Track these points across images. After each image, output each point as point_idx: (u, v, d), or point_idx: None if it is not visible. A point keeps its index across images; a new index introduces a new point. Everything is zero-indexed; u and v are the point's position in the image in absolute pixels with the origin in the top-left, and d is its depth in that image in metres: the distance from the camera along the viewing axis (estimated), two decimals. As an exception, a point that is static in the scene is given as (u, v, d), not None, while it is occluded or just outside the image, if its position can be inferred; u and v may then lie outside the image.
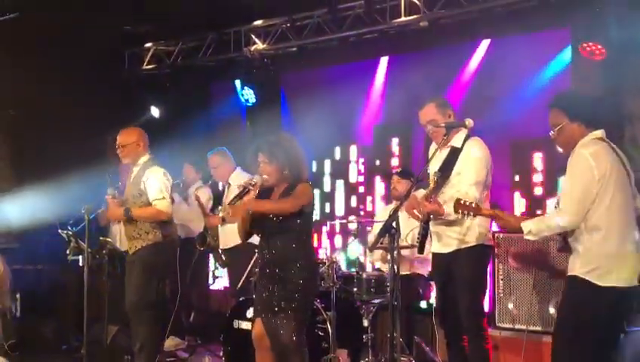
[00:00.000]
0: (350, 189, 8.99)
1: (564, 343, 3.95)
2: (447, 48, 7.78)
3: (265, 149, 4.85)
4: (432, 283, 6.17)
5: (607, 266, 3.85)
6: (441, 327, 5.53)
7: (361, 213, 8.70)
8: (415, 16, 7.42)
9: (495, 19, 7.25)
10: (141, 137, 6.16)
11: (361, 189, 8.91)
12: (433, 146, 5.07)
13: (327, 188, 9.02)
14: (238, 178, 6.64)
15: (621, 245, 3.88)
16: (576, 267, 3.92)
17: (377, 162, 8.77)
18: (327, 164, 9.00)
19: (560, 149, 4.19)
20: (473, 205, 4.22)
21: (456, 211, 4.25)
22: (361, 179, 8.91)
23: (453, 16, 7.38)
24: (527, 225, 3.99)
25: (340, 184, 9.01)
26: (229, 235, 6.56)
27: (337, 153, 9.04)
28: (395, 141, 8.60)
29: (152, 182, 5.97)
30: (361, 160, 8.91)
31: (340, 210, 8.94)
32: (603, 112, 4.20)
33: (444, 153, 4.95)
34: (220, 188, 7.50)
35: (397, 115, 8.32)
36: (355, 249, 7.78)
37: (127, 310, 6.02)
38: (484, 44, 7.70)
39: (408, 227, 5.91)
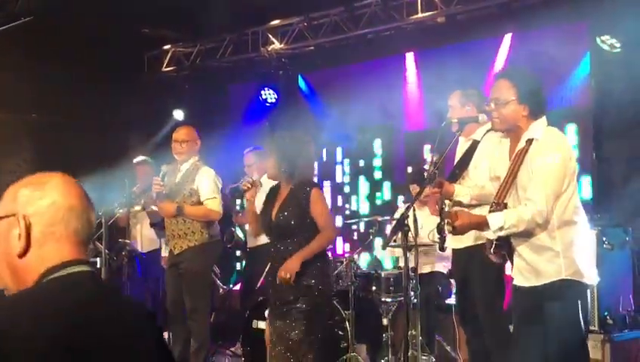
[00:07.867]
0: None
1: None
2: (465, 45, 7.67)
3: (270, 143, 4.86)
4: (452, 281, 6.12)
5: (587, 262, 3.67)
6: (461, 325, 5.46)
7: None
8: (432, 13, 7.36)
9: (513, 13, 7.15)
10: (198, 136, 6.19)
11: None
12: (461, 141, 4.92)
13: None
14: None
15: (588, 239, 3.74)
16: (561, 269, 3.59)
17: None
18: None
19: (494, 125, 3.85)
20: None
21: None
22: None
23: (470, 11, 7.31)
24: (496, 219, 3.56)
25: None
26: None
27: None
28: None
29: (205, 182, 5.98)
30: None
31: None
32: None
33: (465, 146, 4.88)
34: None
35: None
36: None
37: (172, 313, 6.08)
38: (507, 38, 7.55)
39: (431, 224, 5.82)
